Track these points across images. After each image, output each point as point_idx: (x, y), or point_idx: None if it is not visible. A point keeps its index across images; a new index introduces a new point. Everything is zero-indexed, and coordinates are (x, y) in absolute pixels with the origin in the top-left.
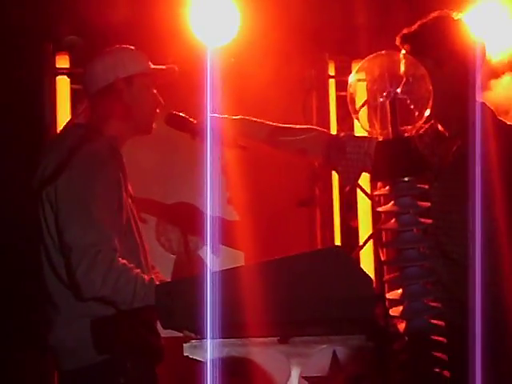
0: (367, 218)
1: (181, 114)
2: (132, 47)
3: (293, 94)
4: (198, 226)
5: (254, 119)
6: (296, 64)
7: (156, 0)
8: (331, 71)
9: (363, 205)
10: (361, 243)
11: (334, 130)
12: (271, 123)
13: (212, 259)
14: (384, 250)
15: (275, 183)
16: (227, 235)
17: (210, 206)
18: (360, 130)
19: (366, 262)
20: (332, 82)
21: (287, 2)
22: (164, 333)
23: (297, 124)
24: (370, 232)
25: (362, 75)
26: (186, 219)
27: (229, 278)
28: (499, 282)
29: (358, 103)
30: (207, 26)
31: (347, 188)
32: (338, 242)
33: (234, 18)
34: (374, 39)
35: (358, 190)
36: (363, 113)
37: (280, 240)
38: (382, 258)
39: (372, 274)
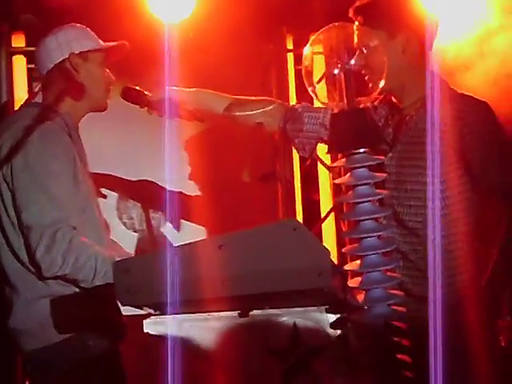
0: (328, 190)
1: (136, 87)
2: (82, 25)
3: (251, 68)
4: (159, 203)
5: (211, 92)
6: (254, 38)
7: None
8: (289, 45)
9: (324, 178)
10: (322, 216)
11: (294, 104)
12: (228, 96)
13: (174, 235)
14: (344, 221)
15: (236, 157)
16: (189, 211)
17: (170, 182)
18: (319, 103)
19: (329, 234)
20: (290, 55)
21: None
22: (127, 311)
23: None
24: (332, 205)
25: (317, 48)
26: (147, 196)
27: (187, 252)
28: (455, 250)
29: (315, 76)
30: (163, 1)
31: (308, 161)
32: (299, 216)
33: None
34: (332, 12)
35: (319, 163)
36: (322, 86)
37: (242, 215)
38: (343, 230)
39: (334, 247)
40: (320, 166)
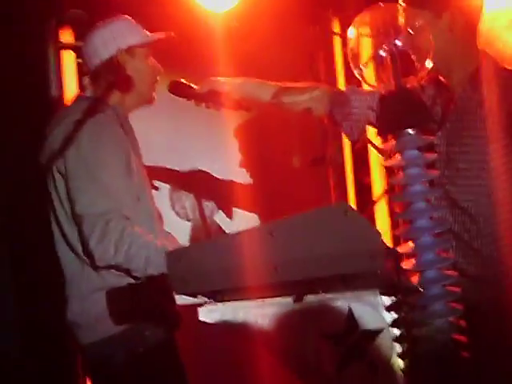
0: (380, 173)
1: (182, 80)
2: (127, 17)
3: (298, 53)
4: (211, 192)
5: (257, 80)
6: (300, 23)
7: None
8: (336, 28)
9: (375, 160)
10: (374, 199)
11: (342, 87)
12: (274, 83)
13: (226, 223)
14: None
15: (286, 143)
16: (240, 198)
17: (221, 171)
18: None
19: (381, 217)
20: (337, 38)
21: None
22: (181, 300)
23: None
24: (384, 187)
25: (363, 30)
26: (199, 185)
27: (239, 240)
28: (506, 229)
29: (362, 58)
30: None
31: (358, 144)
32: (352, 199)
33: None
34: None
35: (370, 146)
36: (369, 68)
37: (294, 200)
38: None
39: (388, 229)
40: (371, 149)
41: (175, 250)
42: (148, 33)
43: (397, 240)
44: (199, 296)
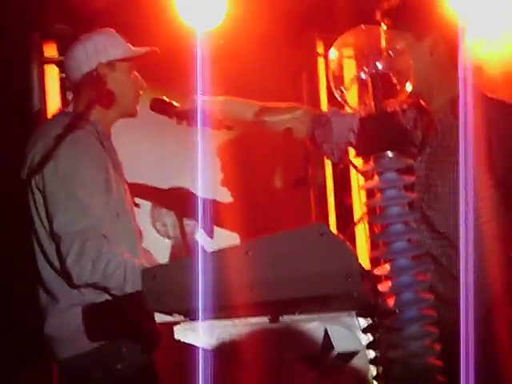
0: (362, 195)
1: (164, 98)
2: (111, 30)
3: (283, 74)
4: (192, 210)
5: (239, 99)
6: (285, 44)
7: None
8: (320, 49)
9: (357, 182)
10: (355, 220)
11: (325, 109)
12: (257, 102)
13: (207, 242)
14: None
15: (268, 163)
16: (222, 217)
17: (203, 189)
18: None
19: (362, 238)
20: (321, 60)
21: None
22: (160, 318)
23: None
24: (365, 209)
25: (347, 51)
26: (181, 203)
27: (215, 259)
28: (485, 254)
29: (345, 80)
30: (194, 9)
31: (340, 165)
32: (332, 220)
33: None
34: (361, 15)
35: (351, 168)
36: (353, 90)
37: (275, 221)
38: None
39: (368, 251)
40: (352, 170)
41: (150, 268)
42: (131, 47)
43: (376, 262)
44: (175, 314)
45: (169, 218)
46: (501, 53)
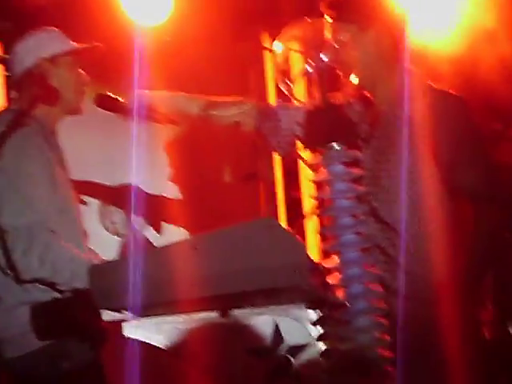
0: (311, 188)
1: (109, 94)
2: (54, 28)
3: (230, 68)
4: (141, 207)
5: (185, 94)
6: (231, 39)
7: None
8: (267, 43)
9: (306, 175)
10: (304, 214)
11: (273, 102)
12: (203, 97)
13: (156, 239)
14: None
15: (217, 158)
16: (170, 213)
17: (149, 186)
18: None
19: (312, 232)
20: (268, 54)
21: None
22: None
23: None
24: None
25: (292, 45)
26: (130, 200)
27: (163, 255)
28: (429, 244)
29: (292, 73)
30: (140, 5)
31: (289, 159)
32: (282, 214)
33: None
34: (308, 8)
35: (300, 161)
36: (300, 84)
37: (224, 215)
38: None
39: (318, 244)
40: (301, 164)
41: (98, 264)
42: (74, 43)
43: (326, 255)
44: (123, 311)
45: (117, 215)
46: (444, 41)
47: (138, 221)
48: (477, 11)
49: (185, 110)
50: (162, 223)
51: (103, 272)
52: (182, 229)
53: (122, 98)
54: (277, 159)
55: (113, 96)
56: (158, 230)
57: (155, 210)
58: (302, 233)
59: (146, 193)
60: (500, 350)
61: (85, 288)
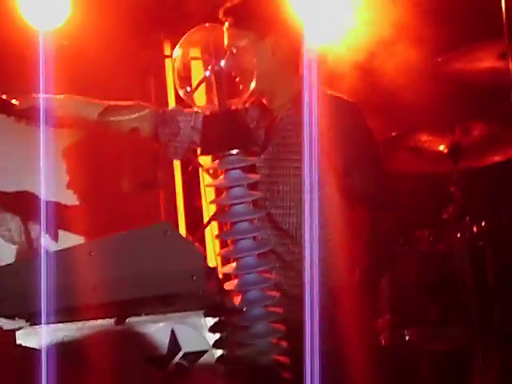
0: (211, 196)
1: (1, 96)
2: None
3: (130, 75)
4: (37, 214)
5: (82, 98)
6: (131, 45)
7: None
8: (167, 51)
9: (206, 182)
10: (205, 222)
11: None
12: (101, 101)
13: (53, 246)
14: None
15: (116, 166)
16: (67, 221)
17: (46, 192)
18: None
19: (212, 239)
20: (169, 61)
21: None
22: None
23: None
24: (215, 209)
25: (191, 51)
26: (26, 207)
27: (57, 259)
28: (327, 249)
29: (193, 79)
30: (37, 8)
31: (189, 167)
32: (182, 223)
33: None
34: (209, 16)
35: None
36: (201, 89)
37: (123, 224)
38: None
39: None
40: (202, 172)
41: None
42: None
43: (224, 261)
44: (17, 318)
45: (13, 222)
46: (338, 48)
47: (34, 228)
48: (376, 16)
49: (81, 113)
50: (59, 231)
51: None
52: (79, 237)
53: (17, 100)
54: (177, 166)
55: (5, 98)
56: (54, 237)
57: (52, 218)
58: (202, 241)
59: (43, 200)
60: (396, 357)
61: None
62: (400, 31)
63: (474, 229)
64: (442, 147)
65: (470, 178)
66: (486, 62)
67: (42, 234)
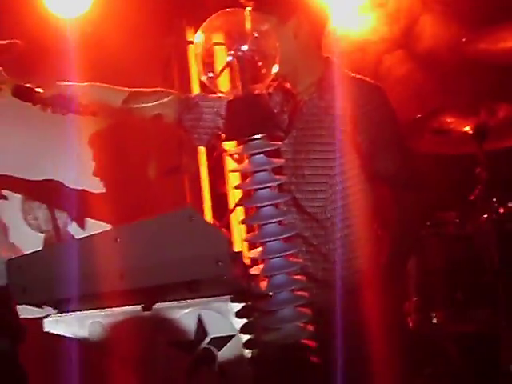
0: (236, 181)
1: (27, 84)
2: None
3: (153, 62)
4: (64, 202)
5: (106, 85)
6: (154, 31)
7: None
8: (190, 37)
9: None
10: (231, 207)
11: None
12: (124, 89)
13: (80, 234)
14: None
15: (141, 152)
16: (94, 208)
17: (72, 180)
18: None
19: (238, 225)
20: (191, 47)
21: None
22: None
23: None
24: (240, 195)
25: (214, 36)
26: (53, 196)
27: (83, 247)
28: (352, 234)
29: (216, 64)
30: None
31: (214, 153)
32: (208, 209)
33: None
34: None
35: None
36: (225, 75)
37: (149, 210)
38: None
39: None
40: (227, 158)
41: (16, 258)
42: None
43: (250, 246)
44: (44, 306)
45: (40, 211)
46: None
47: (61, 216)
48: None
49: (106, 101)
50: (86, 218)
51: (21, 266)
52: (106, 224)
53: (42, 89)
54: (201, 152)
55: (31, 86)
56: (81, 225)
57: (79, 205)
58: (228, 226)
59: (69, 187)
60: (423, 340)
61: (4, 284)
62: (422, 11)
63: (501, 210)
64: (467, 128)
65: (496, 159)
66: (510, 42)
67: (69, 221)
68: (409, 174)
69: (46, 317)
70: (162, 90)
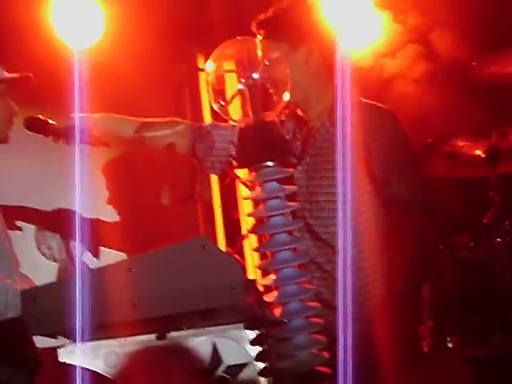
0: (249, 208)
1: (39, 116)
2: None
3: (164, 89)
4: (78, 231)
5: (118, 116)
6: (165, 59)
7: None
8: (201, 64)
9: (244, 195)
10: (243, 234)
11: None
12: (136, 119)
13: (94, 263)
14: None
15: (154, 180)
16: (108, 237)
17: (85, 209)
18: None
19: (251, 252)
20: (203, 75)
21: None
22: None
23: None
24: (253, 222)
25: (225, 64)
26: (66, 225)
27: (97, 277)
28: (366, 260)
29: (227, 92)
30: (71, 27)
31: (227, 180)
32: (221, 235)
33: (98, 17)
34: (240, 28)
35: (238, 181)
36: (236, 103)
37: (163, 238)
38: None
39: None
40: (239, 185)
41: (29, 290)
42: (5, 72)
43: (264, 273)
44: (59, 336)
45: (54, 240)
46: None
47: (75, 245)
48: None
49: (118, 131)
50: (100, 247)
51: (34, 297)
52: (120, 252)
53: (54, 120)
54: (214, 180)
55: (43, 118)
56: (95, 254)
57: (92, 234)
58: (241, 253)
59: (83, 216)
60: (438, 364)
61: (17, 317)
62: (432, 38)
63: None
64: (479, 152)
65: (508, 182)
66: None
67: (83, 251)
68: (423, 199)
69: (60, 347)
70: (174, 119)
